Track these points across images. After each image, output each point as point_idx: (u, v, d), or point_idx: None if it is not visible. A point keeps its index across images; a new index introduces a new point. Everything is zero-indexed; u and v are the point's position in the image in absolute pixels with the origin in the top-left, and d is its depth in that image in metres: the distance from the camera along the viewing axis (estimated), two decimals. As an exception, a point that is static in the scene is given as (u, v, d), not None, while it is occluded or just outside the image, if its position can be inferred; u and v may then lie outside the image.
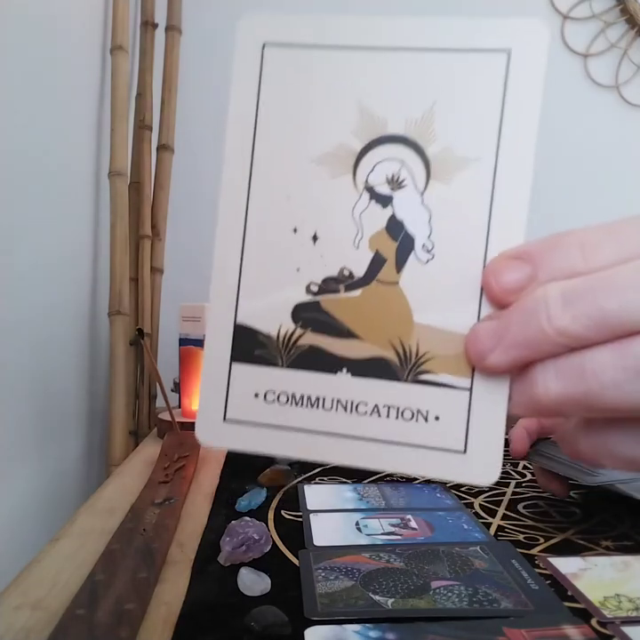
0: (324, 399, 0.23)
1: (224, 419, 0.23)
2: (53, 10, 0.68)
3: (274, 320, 0.23)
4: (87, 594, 0.33)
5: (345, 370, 0.22)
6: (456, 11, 1.05)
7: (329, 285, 0.23)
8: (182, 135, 0.97)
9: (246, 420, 0.23)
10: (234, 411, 0.23)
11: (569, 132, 1.08)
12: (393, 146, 0.22)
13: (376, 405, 0.22)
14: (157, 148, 0.95)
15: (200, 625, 0.32)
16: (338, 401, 0.22)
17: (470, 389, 0.22)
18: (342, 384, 0.22)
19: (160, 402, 0.88)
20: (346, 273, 0.22)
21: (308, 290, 0.23)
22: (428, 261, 0.22)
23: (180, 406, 0.79)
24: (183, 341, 0.78)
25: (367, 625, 0.31)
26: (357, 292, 0.22)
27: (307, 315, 0.23)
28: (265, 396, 0.23)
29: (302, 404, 0.23)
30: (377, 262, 0.22)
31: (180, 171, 0.97)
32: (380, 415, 0.22)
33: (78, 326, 0.79)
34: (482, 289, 0.21)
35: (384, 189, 0.22)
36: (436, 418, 0.22)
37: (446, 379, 0.22)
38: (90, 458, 0.82)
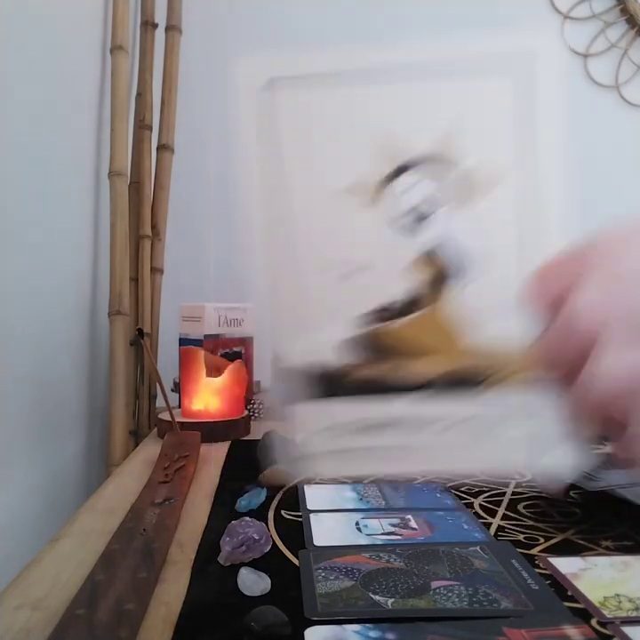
0: (395, 420, 0.23)
1: (300, 455, 0.24)
2: (53, 10, 0.68)
3: (327, 356, 0.23)
4: (87, 594, 0.33)
5: (407, 392, 0.23)
6: (459, 15, 1.05)
7: (375, 316, 0.22)
8: (182, 135, 0.97)
9: (323, 451, 0.24)
10: (310, 446, 0.24)
11: (569, 132, 1.07)
12: (418, 171, 0.22)
13: (447, 421, 0.23)
14: (157, 148, 0.95)
15: (200, 625, 0.32)
16: (408, 421, 0.23)
17: (536, 393, 0.22)
18: (409, 406, 0.23)
19: (160, 402, 0.88)
20: (390, 301, 0.22)
21: (354, 323, 0.23)
22: (471, 279, 0.22)
23: (180, 406, 0.78)
24: (183, 341, 0.78)
25: (367, 625, 0.31)
26: (406, 319, 0.22)
27: (358, 346, 0.23)
28: (333, 428, 0.23)
29: (373, 430, 0.23)
30: (420, 287, 0.22)
31: (179, 171, 0.97)
32: (451, 429, 0.23)
33: (78, 326, 0.79)
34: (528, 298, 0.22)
35: (415, 214, 0.22)
36: (506, 421, 0.23)
37: (512, 386, 0.22)
38: (90, 458, 0.82)
